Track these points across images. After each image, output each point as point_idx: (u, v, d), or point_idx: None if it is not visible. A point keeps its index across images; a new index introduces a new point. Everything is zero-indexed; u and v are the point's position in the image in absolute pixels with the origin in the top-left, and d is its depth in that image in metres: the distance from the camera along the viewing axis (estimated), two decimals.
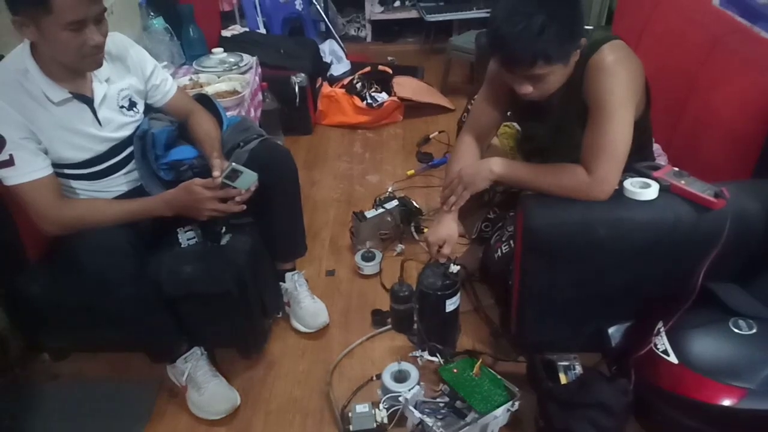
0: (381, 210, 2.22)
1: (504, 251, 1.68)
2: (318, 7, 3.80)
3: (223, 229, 1.67)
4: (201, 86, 2.44)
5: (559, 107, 1.49)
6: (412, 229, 2.28)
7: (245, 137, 1.76)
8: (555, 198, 1.43)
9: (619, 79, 1.35)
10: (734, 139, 1.60)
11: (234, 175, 1.49)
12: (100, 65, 1.46)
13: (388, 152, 3.00)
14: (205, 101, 1.80)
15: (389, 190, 2.51)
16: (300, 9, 3.67)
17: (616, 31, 2.54)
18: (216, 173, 1.49)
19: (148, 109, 1.68)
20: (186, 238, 1.65)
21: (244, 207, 1.52)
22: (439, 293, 1.57)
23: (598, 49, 1.37)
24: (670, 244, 1.40)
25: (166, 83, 1.70)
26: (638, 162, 1.47)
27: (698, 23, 1.93)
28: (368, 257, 2.13)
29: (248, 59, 2.73)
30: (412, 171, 2.76)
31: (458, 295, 1.62)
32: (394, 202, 2.26)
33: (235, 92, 2.41)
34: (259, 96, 2.73)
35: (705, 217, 1.35)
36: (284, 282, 1.90)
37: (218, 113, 1.78)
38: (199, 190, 1.46)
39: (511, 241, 1.63)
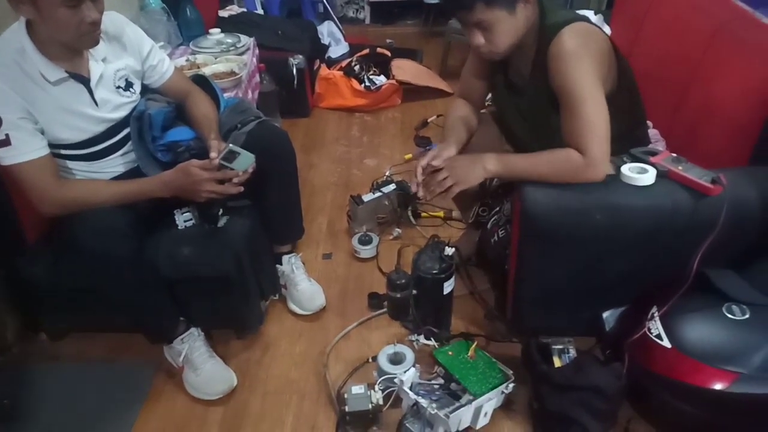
0: (378, 194, 2.22)
1: (501, 236, 1.68)
2: None
3: (221, 211, 1.66)
4: (198, 67, 2.42)
5: (530, 92, 1.52)
6: (409, 213, 2.28)
7: (243, 119, 1.75)
8: (552, 183, 1.43)
9: (582, 64, 1.35)
10: (734, 127, 1.60)
11: (231, 156, 1.49)
12: (97, 43, 1.45)
13: (386, 136, 2.99)
14: (203, 82, 1.79)
15: (387, 174, 2.50)
16: None
17: (616, 16, 2.51)
18: (213, 154, 1.48)
19: (145, 89, 1.66)
20: (183, 219, 1.64)
21: (242, 189, 1.52)
22: (436, 277, 1.58)
23: (558, 34, 1.37)
24: (667, 230, 1.40)
25: (163, 64, 1.68)
26: (634, 146, 1.47)
27: (701, 9, 1.91)
28: (365, 241, 2.14)
29: (246, 40, 2.70)
30: (410, 155, 2.75)
31: (453, 276, 1.63)
32: (392, 186, 2.26)
33: (232, 73, 2.39)
34: (257, 78, 2.71)
35: (702, 203, 1.36)
36: (281, 264, 1.90)
37: (215, 94, 1.77)
38: (196, 172, 1.46)
39: (508, 226, 1.64)
